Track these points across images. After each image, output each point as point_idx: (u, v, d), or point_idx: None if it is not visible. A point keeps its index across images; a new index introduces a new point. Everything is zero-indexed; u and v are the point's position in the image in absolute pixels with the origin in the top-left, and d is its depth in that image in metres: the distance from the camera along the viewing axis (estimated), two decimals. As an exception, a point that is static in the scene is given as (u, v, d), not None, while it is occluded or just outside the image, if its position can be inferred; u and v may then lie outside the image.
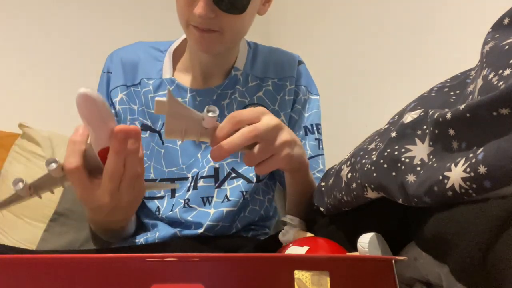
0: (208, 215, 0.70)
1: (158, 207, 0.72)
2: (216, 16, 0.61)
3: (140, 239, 0.70)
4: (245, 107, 0.75)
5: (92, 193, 0.48)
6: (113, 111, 0.75)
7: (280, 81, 0.78)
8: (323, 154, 0.80)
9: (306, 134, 0.79)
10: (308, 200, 0.64)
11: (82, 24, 1.42)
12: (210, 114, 0.46)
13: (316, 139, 0.79)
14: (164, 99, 0.45)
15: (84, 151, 0.46)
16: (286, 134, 0.52)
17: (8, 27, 1.30)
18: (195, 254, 0.29)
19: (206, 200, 0.71)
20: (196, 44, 0.65)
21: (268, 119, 0.50)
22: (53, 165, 0.45)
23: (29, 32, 1.33)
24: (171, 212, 0.71)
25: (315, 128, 0.80)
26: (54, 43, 1.36)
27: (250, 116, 0.50)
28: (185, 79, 0.76)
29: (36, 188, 0.48)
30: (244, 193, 0.73)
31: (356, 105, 1.36)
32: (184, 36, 0.79)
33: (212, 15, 0.60)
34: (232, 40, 0.68)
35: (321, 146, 0.80)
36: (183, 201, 0.71)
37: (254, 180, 0.73)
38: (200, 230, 0.69)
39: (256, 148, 0.50)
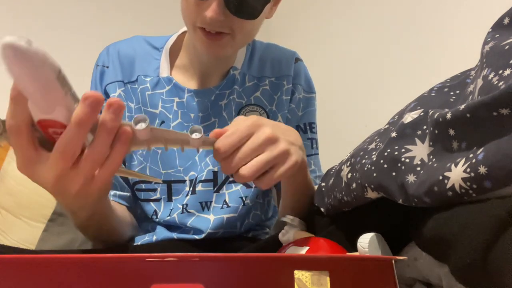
0: (208, 221, 0.69)
1: (155, 211, 0.71)
2: (227, 18, 0.59)
3: (137, 242, 0.70)
4: (242, 107, 0.75)
5: (34, 165, 0.38)
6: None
7: (277, 80, 0.77)
8: (316, 154, 0.79)
9: None
10: (305, 201, 0.62)
11: (83, 24, 1.42)
12: (194, 136, 0.42)
13: (308, 138, 0.78)
14: (144, 126, 0.39)
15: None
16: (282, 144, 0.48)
17: (7, 27, 1.30)
18: (195, 254, 0.29)
19: (204, 205, 0.70)
20: (204, 48, 0.63)
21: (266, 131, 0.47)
22: None
23: (28, 32, 1.33)
24: (169, 217, 0.70)
25: (308, 127, 0.79)
26: (53, 43, 1.36)
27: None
28: (182, 78, 0.74)
29: None
30: (244, 198, 0.72)
31: (356, 105, 1.36)
32: (179, 32, 0.78)
33: (222, 18, 0.58)
34: (242, 43, 0.67)
35: (314, 146, 0.79)
36: (181, 206, 0.70)
37: (253, 185, 0.72)
38: (200, 237, 0.68)
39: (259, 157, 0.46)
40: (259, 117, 0.49)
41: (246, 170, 0.45)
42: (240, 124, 0.47)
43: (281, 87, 0.77)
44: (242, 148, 0.46)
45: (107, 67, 0.74)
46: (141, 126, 0.39)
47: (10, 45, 0.30)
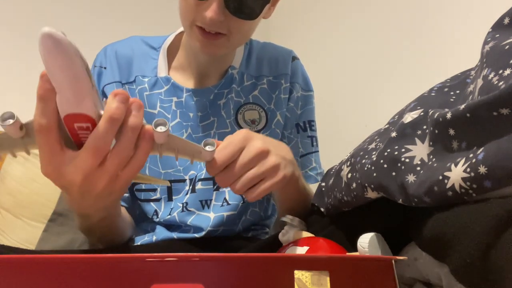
0: (208, 219, 0.69)
1: (155, 211, 0.71)
2: (226, 19, 0.59)
3: (137, 242, 0.70)
4: (240, 106, 0.75)
5: (61, 166, 0.38)
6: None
7: (275, 79, 0.77)
8: (317, 152, 0.79)
9: (298, 132, 0.78)
10: (298, 210, 0.63)
11: (79, 24, 1.42)
12: (208, 148, 0.43)
13: (308, 136, 0.79)
14: (164, 129, 0.40)
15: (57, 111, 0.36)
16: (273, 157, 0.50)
17: (7, 27, 1.30)
18: (195, 254, 0.29)
19: (204, 204, 0.70)
20: (200, 47, 0.63)
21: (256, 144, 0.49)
22: (10, 121, 0.36)
23: (27, 32, 1.33)
24: (169, 216, 0.70)
25: (307, 125, 0.79)
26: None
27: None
28: (180, 78, 0.74)
29: None
30: (244, 195, 0.72)
31: (356, 105, 1.36)
32: (177, 32, 0.77)
33: (222, 19, 0.58)
34: (238, 43, 0.68)
35: (314, 143, 0.79)
36: (181, 205, 0.70)
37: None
38: (200, 235, 0.68)
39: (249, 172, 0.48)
40: (249, 131, 0.51)
41: (237, 185, 0.48)
42: (230, 139, 0.49)
43: (279, 85, 0.77)
44: (234, 164, 0.48)
45: (105, 68, 0.73)
46: (161, 129, 0.39)
47: (49, 35, 0.31)
